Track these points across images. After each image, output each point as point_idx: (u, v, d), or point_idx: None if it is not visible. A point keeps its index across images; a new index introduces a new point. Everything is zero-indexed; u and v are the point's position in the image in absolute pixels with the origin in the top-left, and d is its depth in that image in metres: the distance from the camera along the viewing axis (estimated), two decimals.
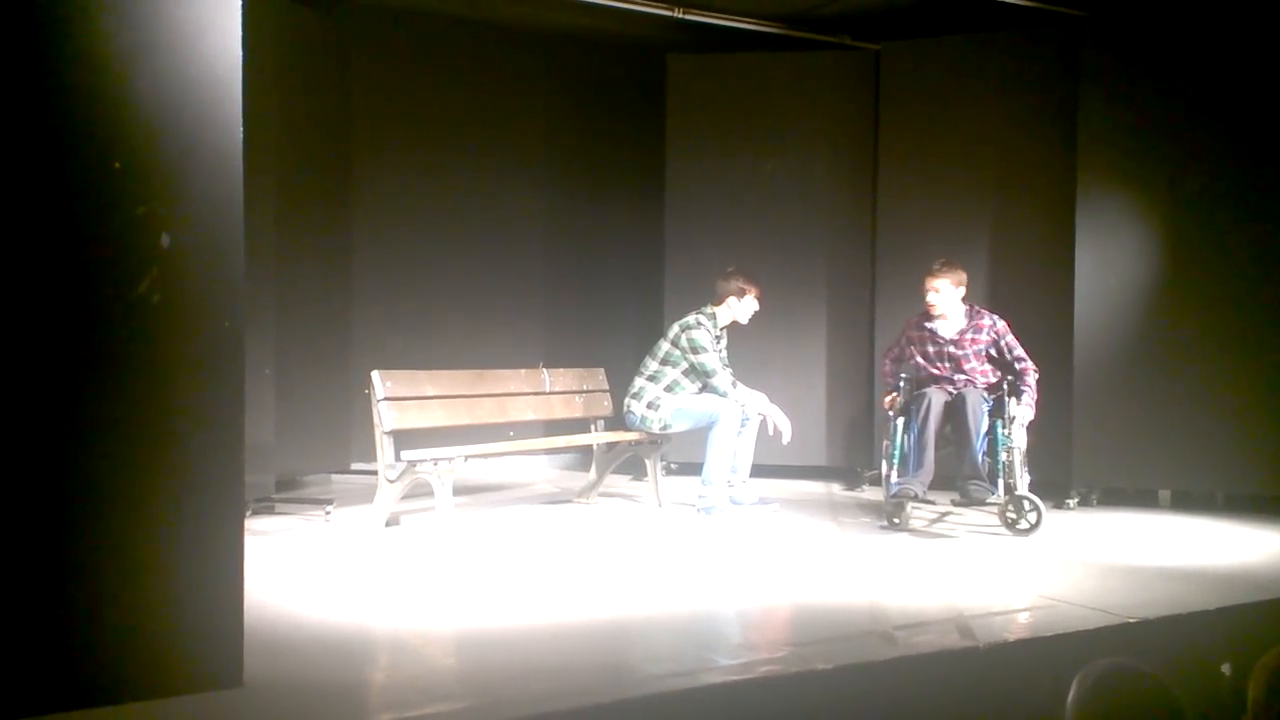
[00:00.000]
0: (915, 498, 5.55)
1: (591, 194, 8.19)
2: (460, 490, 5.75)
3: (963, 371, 5.84)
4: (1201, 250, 6.30)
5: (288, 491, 6.43)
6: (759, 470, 6.37)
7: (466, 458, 5.36)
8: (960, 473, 5.64)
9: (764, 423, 6.14)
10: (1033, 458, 5.77)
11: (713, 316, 6.24)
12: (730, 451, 6.01)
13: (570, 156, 8.13)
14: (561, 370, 6.52)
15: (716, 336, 6.25)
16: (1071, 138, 6.55)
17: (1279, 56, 6.08)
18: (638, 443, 6.26)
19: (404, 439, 5.38)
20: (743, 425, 6.10)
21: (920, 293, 5.93)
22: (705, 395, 6.15)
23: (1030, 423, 5.66)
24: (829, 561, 4.98)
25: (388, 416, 5.32)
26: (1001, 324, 5.88)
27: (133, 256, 2.84)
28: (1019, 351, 5.84)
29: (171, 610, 2.91)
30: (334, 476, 7.03)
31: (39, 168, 2.75)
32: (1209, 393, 6.22)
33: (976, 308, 5.96)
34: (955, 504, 5.86)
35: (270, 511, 5.86)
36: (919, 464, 5.58)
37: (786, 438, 6.09)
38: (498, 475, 7.44)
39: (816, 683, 3.21)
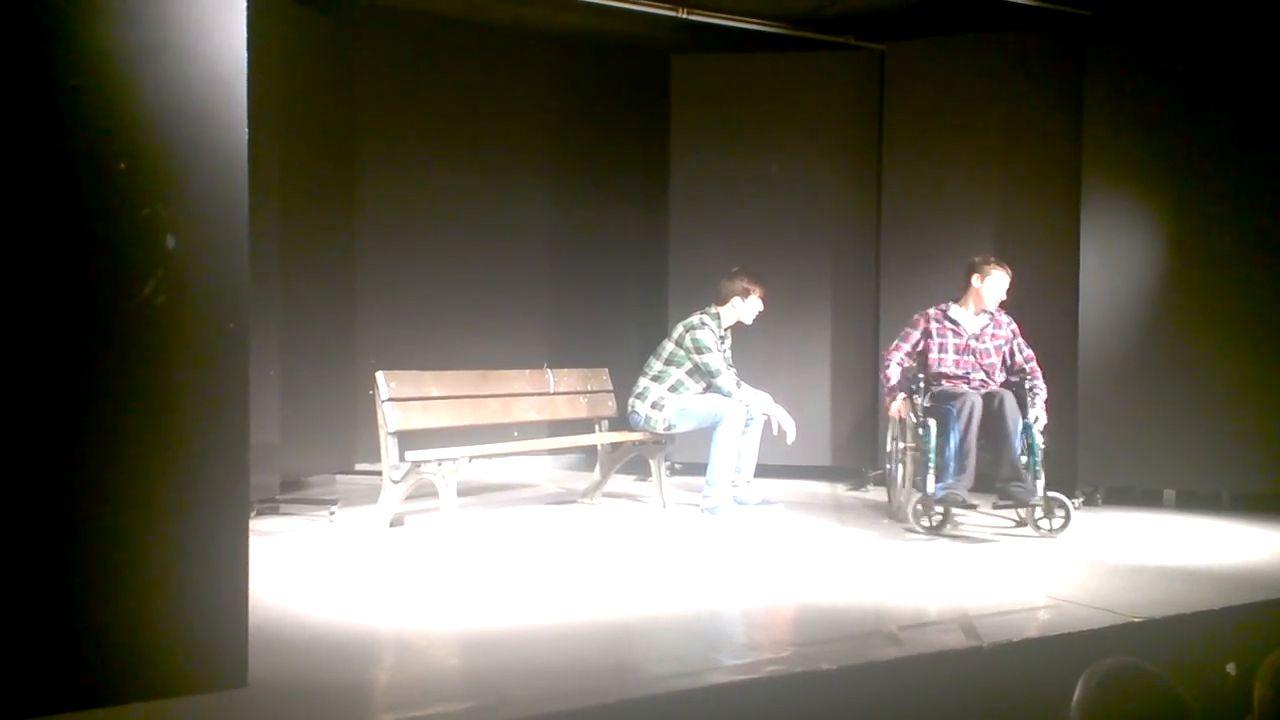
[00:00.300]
0: (963, 503, 5.43)
1: (596, 194, 8.19)
2: (464, 491, 5.75)
3: (982, 369, 5.76)
4: (1207, 248, 6.29)
5: (292, 492, 6.44)
6: (763, 470, 6.37)
7: (471, 458, 5.37)
8: (999, 474, 5.45)
9: (768, 423, 6.14)
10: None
11: (717, 316, 6.24)
12: (734, 452, 6.01)
13: (574, 157, 8.13)
14: (566, 371, 6.53)
15: (721, 336, 6.25)
16: (1076, 136, 6.54)
17: None
18: (642, 443, 6.26)
19: (408, 439, 5.38)
20: (747, 425, 6.10)
21: (963, 283, 5.83)
22: (709, 395, 6.15)
23: (1046, 425, 5.62)
24: (833, 562, 4.98)
25: (392, 417, 5.33)
26: (1014, 324, 5.87)
27: (138, 258, 2.85)
28: (1028, 351, 5.83)
29: (176, 611, 2.91)
30: (338, 477, 7.03)
31: (44, 169, 2.75)
32: (1214, 392, 6.21)
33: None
34: (996, 506, 5.69)
35: (275, 512, 5.86)
36: (961, 468, 5.38)
37: (791, 438, 6.08)
38: (502, 476, 7.44)
39: (821, 683, 3.21)
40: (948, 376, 5.74)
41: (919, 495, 5.49)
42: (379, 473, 5.53)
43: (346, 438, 6.85)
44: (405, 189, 7.53)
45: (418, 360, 6.32)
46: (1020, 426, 5.50)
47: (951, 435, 5.43)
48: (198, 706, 2.88)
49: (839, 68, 7.49)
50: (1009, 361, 5.83)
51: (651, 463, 6.30)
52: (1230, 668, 3.67)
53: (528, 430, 6.58)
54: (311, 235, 6.53)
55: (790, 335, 7.33)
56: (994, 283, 5.76)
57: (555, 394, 6.36)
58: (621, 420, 6.43)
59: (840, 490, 7.09)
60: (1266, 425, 6.12)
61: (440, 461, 5.21)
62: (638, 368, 6.36)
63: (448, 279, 7.66)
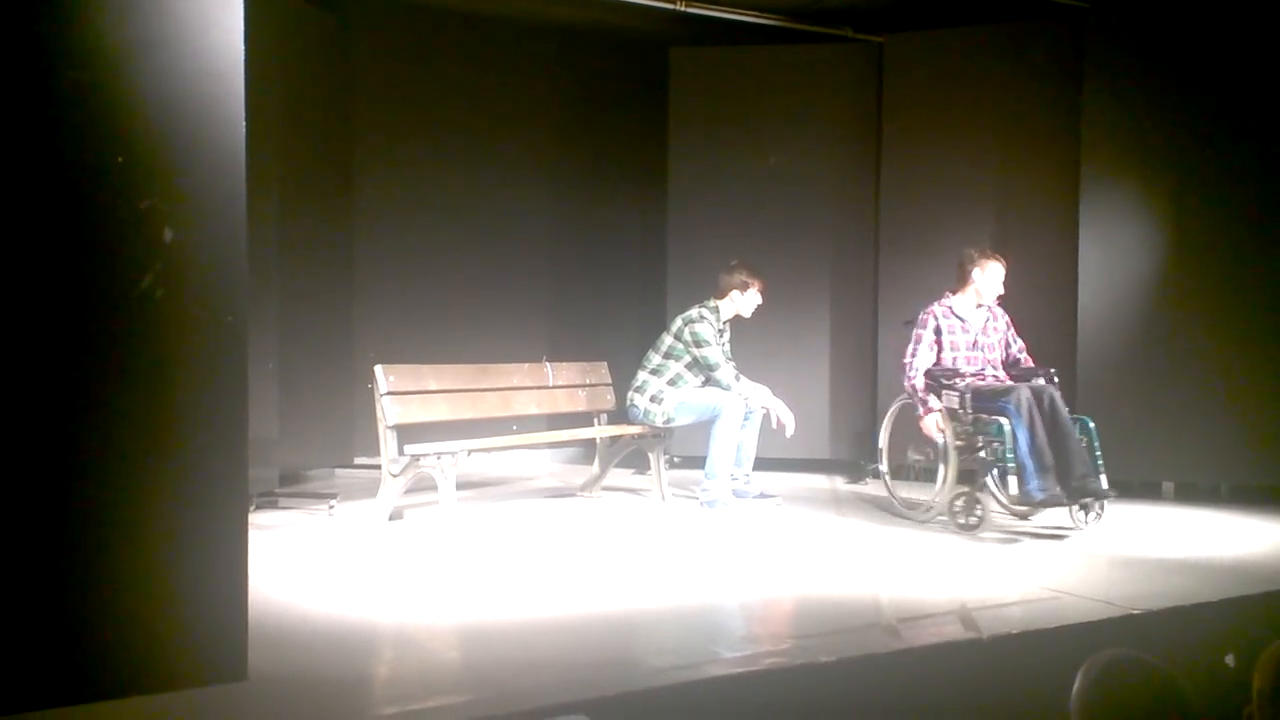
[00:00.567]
0: (1062, 502, 5.20)
1: (594, 187, 8.19)
2: (463, 484, 5.75)
3: (990, 364, 5.69)
4: (1206, 241, 6.29)
5: (291, 486, 6.44)
6: (762, 463, 6.37)
7: (470, 452, 5.37)
8: (1072, 471, 5.21)
9: (767, 416, 6.14)
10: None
11: (715, 310, 6.24)
12: (733, 445, 6.01)
13: (573, 150, 8.12)
14: (565, 364, 6.53)
15: (719, 330, 6.25)
16: (1075, 129, 6.54)
17: None
18: (641, 436, 6.26)
19: (407, 433, 5.38)
20: (746, 419, 6.10)
21: (964, 277, 5.69)
22: (708, 389, 6.15)
23: None
24: (832, 554, 4.99)
25: (391, 411, 5.33)
26: (1006, 316, 5.87)
27: (136, 251, 2.84)
28: (1020, 342, 5.83)
29: (175, 604, 2.91)
30: (337, 471, 7.03)
31: (42, 163, 2.75)
32: (1213, 384, 6.21)
33: None
34: (1072, 504, 5.33)
35: (274, 506, 5.86)
36: (1042, 466, 5.18)
37: (790, 431, 6.08)
38: (501, 469, 7.44)
39: (820, 675, 3.21)
40: (961, 375, 5.59)
41: (960, 491, 5.30)
42: (378, 467, 5.53)
43: (345, 432, 6.85)
44: (403, 182, 7.52)
45: (416, 354, 6.32)
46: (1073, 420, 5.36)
47: (1019, 433, 5.20)
48: (197, 700, 2.88)
49: (837, 60, 7.48)
50: (1004, 355, 5.82)
51: (650, 456, 6.30)
52: (1229, 659, 3.67)
53: (526, 424, 6.58)
54: (310, 229, 6.52)
55: (789, 328, 7.33)
56: (992, 274, 5.69)
57: (554, 387, 6.36)
58: (620, 414, 6.43)
59: (839, 483, 7.10)
60: (1265, 418, 6.13)
61: (439, 455, 5.21)
62: (637, 361, 6.36)
63: (446, 272, 7.65)
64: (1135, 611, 3.85)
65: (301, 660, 3.28)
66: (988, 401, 5.38)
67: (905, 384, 5.68)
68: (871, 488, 6.88)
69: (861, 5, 7.27)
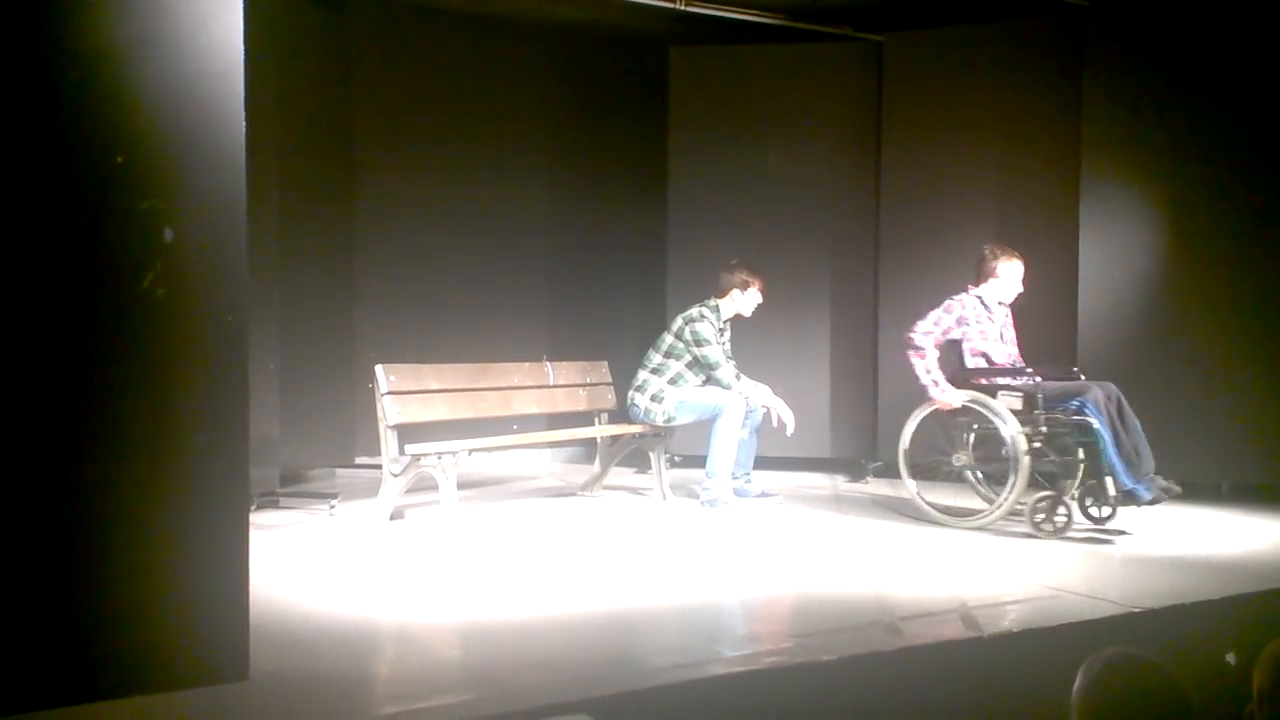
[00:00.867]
0: (1161, 500, 5.11)
1: (594, 186, 8.19)
2: (464, 484, 5.75)
3: (1015, 359, 5.57)
4: (1207, 239, 6.28)
5: (292, 486, 6.44)
6: (763, 462, 6.37)
7: (470, 451, 5.37)
8: (1141, 470, 5.12)
9: (768, 415, 6.14)
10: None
11: (716, 309, 6.24)
12: (734, 444, 6.01)
13: (573, 149, 8.12)
14: (565, 363, 6.53)
15: (720, 329, 6.25)
16: (1076, 127, 6.53)
17: None
18: (641, 435, 6.26)
19: (408, 433, 5.39)
20: (747, 418, 6.10)
21: (985, 274, 5.56)
22: (709, 388, 6.15)
23: None
24: (833, 553, 4.99)
25: (391, 410, 5.33)
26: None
27: (136, 251, 2.85)
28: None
29: (177, 604, 2.91)
30: (338, 471, 7.03)
31: (42, 163, 2.75)
32: (1214, 383, 6.21)
33: None
34: (1147, 503, 5.21)
35: (275, 506, 5.86)
36: (1131, 465, 5.10)
37: (790, 430, 6.08)
38: (502, 469, 7.44)
39: (821, 674, 3.21)
40: (1013, 370, 5.44)
41: (1044, 496, 5.12)
42: (379, 466, 5.53)
43: (346, 431, 6.85)
44: (403, 181, 7.52)
45: (417, 353, 6.32)
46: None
47: (1103, 430, 5.08)
48: (200, 699, 2.88)
49: (837, 58, 7.48)
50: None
51: (651, 455, 6.30)
52: (1230, 657, 3.67)
53: (527, 423, 6.58)
54: (310, 228, 6.52)
55: (789, 327, 7.33)
56: (1016, 271, 5.57)
57: (555, 387, 6.37)
58: (621, 413, 6.44)
59: (840, 482, 7.10)
60: (1266, 416, 6.12)
61: (440, 455, 5.21)
62: (637, 360, 6.36)
63: (447, 272, 7.65)
64: (1136, 609, 3.85)
65: (303, 660, 3.28)
66: (1058, 401, 5.23)
67: (913, 354, 5.42)
68: (873, 486, 6.88)
69: (861, 4, 7.27)
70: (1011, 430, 5.22)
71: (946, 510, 5.54)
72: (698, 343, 6.11)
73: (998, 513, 5.29)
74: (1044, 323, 6.33)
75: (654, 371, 6.20)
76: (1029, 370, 5.41)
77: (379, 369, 5.40)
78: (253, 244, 3.15)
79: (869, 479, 7.07)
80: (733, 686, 3.13)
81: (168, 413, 2.90)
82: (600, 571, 4.57)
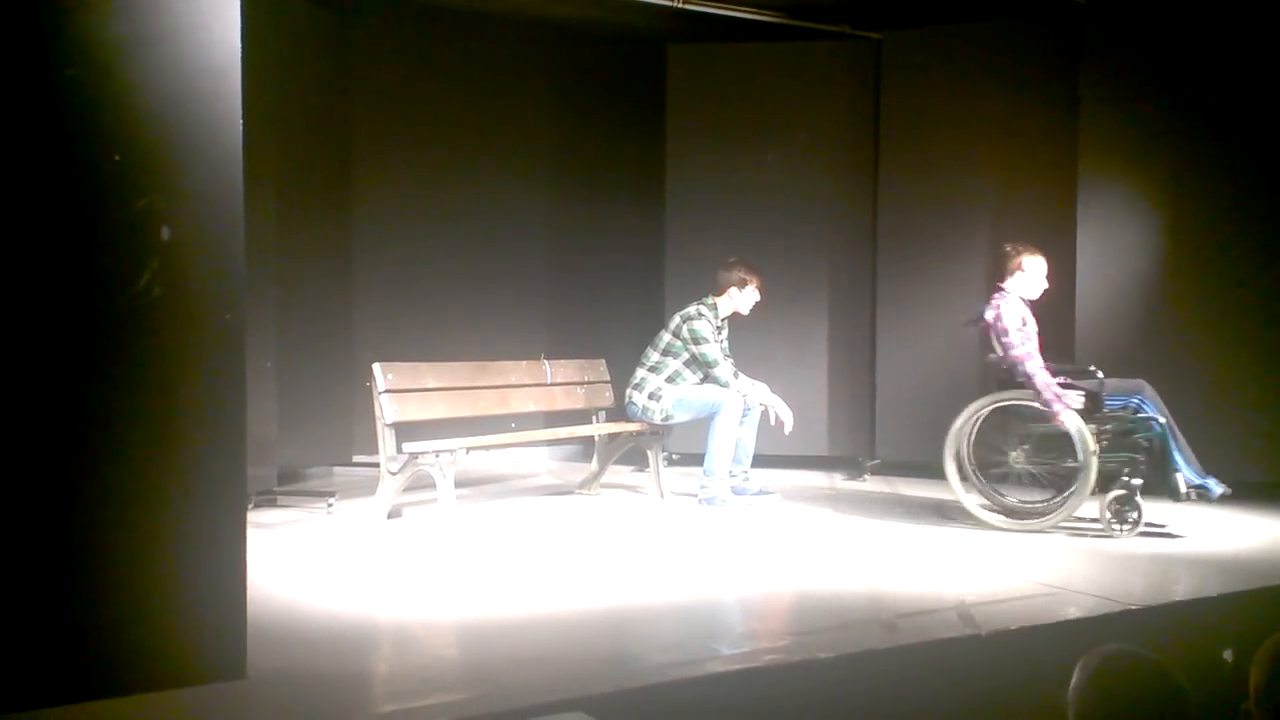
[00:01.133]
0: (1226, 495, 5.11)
1: (592, 184, 8.18)
2: (462, 482, 5.75)
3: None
4: (1203, 238, 6.29)
5: (290, 484, 6.44)
6: (760, 460, 6.37)
7: (468, 450, 5.37)
8: (1197, 466, 5.17)
9: (765, 413, 6.14)
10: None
11: (714, 307, 6.24)
12: (732, 442, 6.01)
13: (571, 147, 8.12)
14: (563, 362, 6.53)
15: (718, 327, 6.25)
16: (1073, 125, 6.53)
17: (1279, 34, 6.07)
18: (639, 434, 6.26)
19: (405, 431, 5.39)
20: (744, 416, 6.10)
21: (1012, 271, 5.47)
22: (707, 386, 6.15)
23: None
24: (831, 551, 4.99)
25: (389, 409, 5.33)
26: None
27: (133, 250, 2.84)
28: None
29: (174, 602, 2.91)
30: (336, 469, 7.03)
31: (38, 161, 2.74)
32: (1210, 380, 6.21)
33: None
34: (1217, 498, 5.23)
35: (272, 504, 5.87)
36: (1188, 458, 5.14)
37: (788, 428, 6.09)
38: (499, 467, 7.44)
39: (819, 671, 3.22)
40: (1064, 369, 5.41)
41: (1116, 495, 5.09)
42: (376, 465, 5.53)
43: (344, 430, 6.85)
44: (401, 179, 7.52)
45: (414, 352, 6.32)
46: None
47: (1155, 425, 5.12)
48: (197, 698, 2.88)
49: (836, 57, 7.48)
50: None
51: (649, 453, 6.31)
52: (1228, 654, 3.68)
53: (525, 421, 6.58)
54: (308, 226, 6.52)
55: (787, 325, 7.32)
56: (1041, 267, 5.51)
57: (552, 385, 6.37)
58: (619, 411, 6.44)
59: (837, 480, 7.10)
60: (1263, 414, 6.13)
61: (438, 453, 5.21)
62: (635, 358, 6.36)
63: (444, 270, 7.65)
64: (1133, 607, 3.86)
65: (301, 658, 3.28)
66: (1118, 398, 5.20)
67: (1032, 378, 5.18)
68: (870, 484, 6.89)
69: (859, 1, 7.27)
70: (1079, 429, 5.11)
71: (1006, 509, 5.42)
72: (695, 341, 6.12)
73: (1063, 512, 5.19)
74: (1041, 320, 6.32)
75: (652, 369, 6.20)
76: (1091, 369, 5.37)
77: (376, 367, 5.40)
78: (250, 242, 3.14)
79: (866, 477, 7.08)
80: (730, 684, 3.13)
81: (165, 411, 2.90)
82: (598, 569, 4.58)
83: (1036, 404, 5.20)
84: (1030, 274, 5.52)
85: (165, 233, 2.87)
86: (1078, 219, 6.47)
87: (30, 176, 2.74)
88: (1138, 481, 5.14)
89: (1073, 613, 3.80)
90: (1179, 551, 4.92)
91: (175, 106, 2.89)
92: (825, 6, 7.32)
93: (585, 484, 6.51)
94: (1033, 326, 5.48)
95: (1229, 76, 6.19)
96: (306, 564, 4.63)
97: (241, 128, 3.00)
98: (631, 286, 8.25)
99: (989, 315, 5.42)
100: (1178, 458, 5.11)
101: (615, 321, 8.09)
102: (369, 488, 5.66)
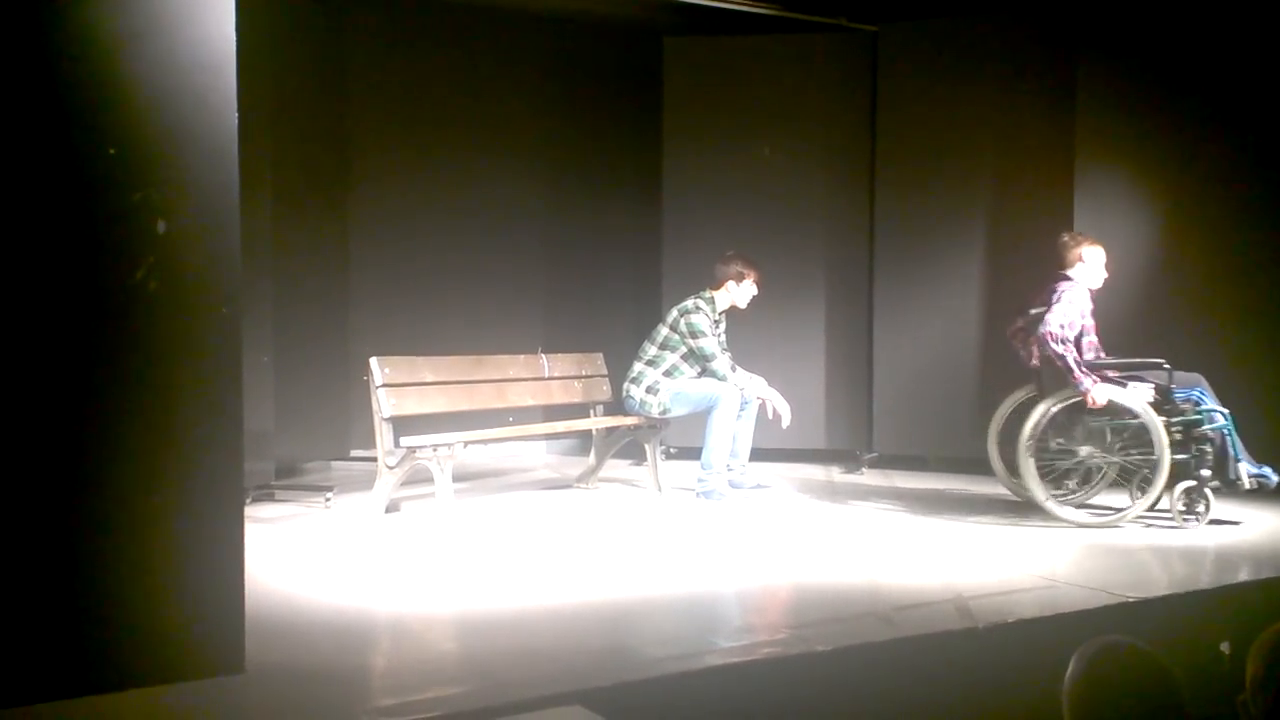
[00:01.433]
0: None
1: (589, 178, 8.17)
2: (460, 476, 5.75)
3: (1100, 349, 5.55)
4: (1201, 230, 6.29)
5: (287, 479, 6.43)
6: (758, 454, 6.37)
7: (466, 444, 5.36)
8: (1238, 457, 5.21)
9: (763, 406, 6.14)
10: (1004, 440, 5.71)
11: (711, 301, 6.23)
12: (729, 435, 6.01)
13: (567, 140, 8.10)
14: (560, 355, 6.52)
15: (715, 321, 6.25)
16: (1070, 117, 6.53)
17: (1275, 26, 6.06)
18: (637, 427, 6.26)
19: (403, 425, 5.38)
20: (742, 409, 6.10)
21: (1073, 262, 5.45)
22: (704, 379, 6.15)
23: None
24: (828, 544, 5.00)
25: (386, 403, 5.32)
26: None
27: (129, 243, 2.84)
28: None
29: (173, 597, 2.91)
30: (333, 463, 7.03)
31: (33, 156, 2.74)
32: (1208, 374, 6.20)
33: None
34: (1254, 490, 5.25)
35: (270, 499, 5.86)
36: (1240, 451, 5.18)
37: (785, 421, 6.09)
38: (497, 461, 7.44)
39: (816, 664, 3.22)
40: (1133, 362, 5.42)
41: (1187, 486, 5.12)
42: (374, 459, 5.53)
43: (341, 424, 6.85)
44: (397, 173, 7.50)
45: (412, 345, 6.31)
46: None
47: (1218, 416, 5.15)
48: (195, 692, 2.88)
49: (832, 49, 7.46)
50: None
51: (646, 447, 6.30)
52: (1224, 646, 3.69)
53: (522, 415, 6.59)
54: (304, 220, 6.51)
55: (784, 318, 7.31)
56: (1100, 256, 5.47)
57: (550, 379, 6.36)
58: (616, 405, 6.43)
59: (835, 473, 7.10)
60: (1259, 407, 6.12)
61: (435, 447, 5.21)
62: (632, 352, 6.36)
63: (441, 263, 7.64)
64: (1131, 599, 3.87)
65: (299, 652, 3.28)
66: (1180, 391, 5.24)
67: (1063, 357, 5.16)
68: (868, 477, 6.89)
69: None
70: (1152, 422, 5.10)
71: (1082, 507, 5.39)
72: (693, 334, 6.11)
73: (1140, 507, 5.16)
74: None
75: (649, 363, 6.20)
76: (1159, 360, 5.34)
77: (374, 361, 5.39)
78: (246, 235, 3.14)
79: (864, 470, 7.08)
80: (728, 677, 3.13)
81: (162, 406, 2.89)
82: (595, 563, 4.58)
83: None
84: (1091, 263, 5.49)
85: (161, 226, 2.87)
86: (1075, 210, 6.47)
87: (26, 170, 2.73)
88: (1206, 473, 5.15)
89: (1070, 605, 3.80)
90: (1176, 544, 4.92)
91: (170, 100, 2.89)
92: None
93: (583, 478, 6.51)
94: (1089, 319, 5.47)
95: (1226, 67, 6.18)
96: (304, 558, 4.63)
97: (236, 121, 2.99)
98: (628, 280, 8.24)
99: (1054, 299, 5.35)
100: (1240, 450, 5.17)
101: (612, 315, 8.08)
102: (367, 482, 5.66)
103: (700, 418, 6.05)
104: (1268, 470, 5.17)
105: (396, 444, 5.31)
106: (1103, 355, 5.58)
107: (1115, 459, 5.29)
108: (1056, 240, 5.62)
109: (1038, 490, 5.26)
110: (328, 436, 6.79)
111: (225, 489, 3.02)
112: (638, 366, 6.23)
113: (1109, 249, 6.43)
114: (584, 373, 6.56)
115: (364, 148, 7.30)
